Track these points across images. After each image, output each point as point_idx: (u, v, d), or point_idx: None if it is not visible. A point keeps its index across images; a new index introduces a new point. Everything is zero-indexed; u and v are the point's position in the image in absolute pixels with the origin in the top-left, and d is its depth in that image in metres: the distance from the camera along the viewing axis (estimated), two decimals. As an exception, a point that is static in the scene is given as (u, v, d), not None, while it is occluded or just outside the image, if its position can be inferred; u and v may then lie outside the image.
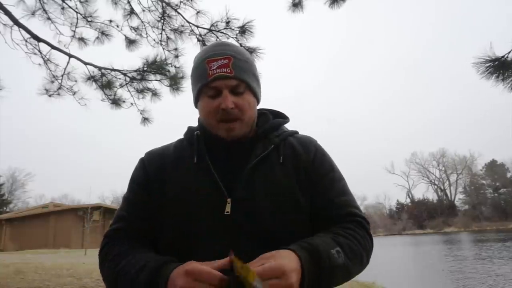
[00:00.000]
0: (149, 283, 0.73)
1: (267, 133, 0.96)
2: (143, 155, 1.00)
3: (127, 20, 5.00)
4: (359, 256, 0.83)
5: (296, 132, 1.03)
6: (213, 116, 0.89)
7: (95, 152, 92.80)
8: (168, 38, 5.00)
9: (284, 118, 1.05)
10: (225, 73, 0.87)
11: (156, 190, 0.90)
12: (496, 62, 3.08)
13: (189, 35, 4.83)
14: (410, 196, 70.27)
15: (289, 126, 1.06)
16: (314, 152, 0.96)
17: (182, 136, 1.03)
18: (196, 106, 0.99)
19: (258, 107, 1.00)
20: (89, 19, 4.95)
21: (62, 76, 5.21)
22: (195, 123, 1.04)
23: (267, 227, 0.83)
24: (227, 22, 4.39)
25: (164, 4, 4.77)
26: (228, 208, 0.83)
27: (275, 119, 1.02)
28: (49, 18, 4.89)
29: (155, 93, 5.28)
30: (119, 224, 0.90)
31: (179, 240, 0.84)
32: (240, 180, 0.86)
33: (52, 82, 5.28)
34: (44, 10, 4.84)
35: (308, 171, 0.92)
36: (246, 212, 0.83)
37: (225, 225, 0.82)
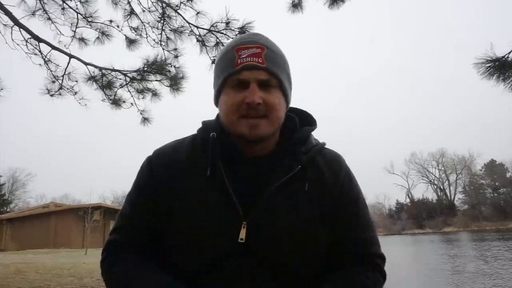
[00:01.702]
0: None
1: (294, 146, 0.84)
2: (151, 154, 0.90)
3: (127, 20, 5.01)
4: None
5: (324, 145, 0.90)
6: (234, 111, 0.78)
7: (96, 152, 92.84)
8: (168, 38, 5.00)
9: (311, 123, 0.91)
10: (256, 62, 0.77)
11: (163, 198, 0.82)
12: (497, 63, 3.08)
13: (188, 35, 4.84)
14: (410, 196, 70.34)
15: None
16: (342, 179, 0.86)
17: (194, 132, 0.92)
18: (216, 103, 0.87)
19: None
20: (89, 19, 4.95)
21: (63, 76, 5.21)
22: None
23: (283, 258, 0.77)
24: (227, 23, 4.39)
25: (164, 5, 4.77)
26: (242, 235, 0.74)
27: (302, 125, 0.90)
28: (49, 19, 4.89)
29: (155, 93, 5.29)
30: (120, 234, 0.86)
31: (190, 260, 0.78)
32: (260, 203, 0.77)
33: (53, 82, 5.29)
34: (45, 10, 4.84)
35: (334, 201, 0.83)
36: (262, 240, 0.76)
37: (238, 253, 0.75)
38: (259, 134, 0.78)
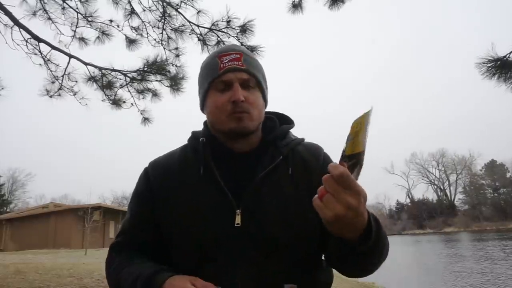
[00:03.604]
0: None
1: (274, 141, 0.94)
2: (147, 165, 0.98)
3: (128, 20, 5.00)
4: (387, 246, 0.81)
5: (303, 140, 0.99)
6: (222, 110, 0.87)
7: (95, 152, 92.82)
8: (168, 37, 5.00)
9: (289, 122, 1.01)
10: (237, 65, 0.88)
11: (161, 204, 0.89)
12: (498, 62, 3.08)
13: (189, 34, 4.83)
14: (410, 196, 70.36)
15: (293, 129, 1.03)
16: (322, 159, 0.95)
17: (185, 142, 1.00)
18: (202, 108, 0.96)
19: None
20: (89, 19, 4.94)
21: (63, 76, 5.20)
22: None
23: (276, 238, 0.83)
24: (228, 21, 4.38)
25: (164, 4, 4.77)
26: (238, 220, 0.82)
27: (281, 124, 1.00)
28: (49, 18, 4.88)
29: (155, 94, 5.28)
30: (121, 238, 0.95)
31: (190, 254, 0.84)
32: (249, 192, 0.85)
33: (53, 82, 5.28)
34: (45, 10, 4.83)
35: (319, 180, 0.87)
36: (256, 224, 0.83)
37: (235, 236, 0.82)
38: (244, 127, 0.87)
